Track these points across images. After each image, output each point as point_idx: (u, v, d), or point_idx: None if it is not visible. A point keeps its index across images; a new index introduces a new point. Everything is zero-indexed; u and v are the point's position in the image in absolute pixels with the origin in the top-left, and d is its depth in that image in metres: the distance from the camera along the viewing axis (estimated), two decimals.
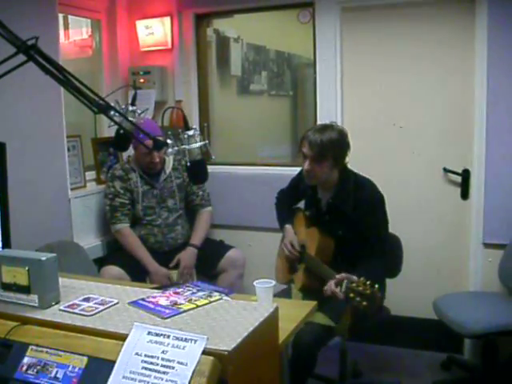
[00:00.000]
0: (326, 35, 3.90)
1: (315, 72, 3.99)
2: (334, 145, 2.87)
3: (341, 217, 2.97)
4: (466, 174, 3.72)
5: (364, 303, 2.49)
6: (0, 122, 3.13)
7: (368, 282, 2.51)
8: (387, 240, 3.06)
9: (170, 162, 3.92)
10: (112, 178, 3.87)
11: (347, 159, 2.99)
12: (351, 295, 2.54)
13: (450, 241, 3.83)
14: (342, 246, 2.94)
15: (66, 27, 4.33)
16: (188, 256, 3.87)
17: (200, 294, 1.91)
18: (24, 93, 3.28)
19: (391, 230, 3.10)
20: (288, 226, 3.24)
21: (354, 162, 3.12)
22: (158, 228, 3.87)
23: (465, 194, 3.76)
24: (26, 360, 1.54)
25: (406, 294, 3.77)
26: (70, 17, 4.29)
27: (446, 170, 3.77)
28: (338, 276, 2.68)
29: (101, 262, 3.75)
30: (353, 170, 3.09)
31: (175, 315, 1.68)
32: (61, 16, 3.89)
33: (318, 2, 3.89)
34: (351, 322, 2.80)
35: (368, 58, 3.89)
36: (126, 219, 3.83)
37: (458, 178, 3.75)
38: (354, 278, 2.58)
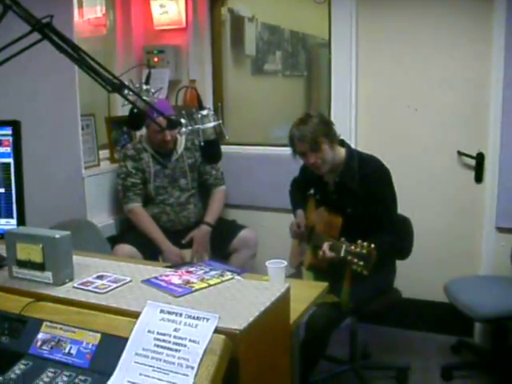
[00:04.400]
0: (341, 15, 3.87)
1: (330, 52, 3.97)
2: (320, 127, 2.91)
3: (349, 195, 2.98)
4: (480, 158, 3.70)
5: (361, 263, 2.53)
6: (15, 101, 3.14)
7: (365, 243, 2.54)
8: (396, 215, 3.07)
9: (182, 142, 3.93)
10: (124, 158, 3.89)
11: (338, 133, 3.01)
12: (349, 258, 2.58)
13: (463, 224, 3.82)
14: (350, 224, 2.95)
15: (81, 5, 4.31)
16: (201, 234, 3.89)
17: (212, 273, 1.92)
18: (38, 71, 3.28)
19: (403, 211, 3.10)
20: (299, 210, 3.27)
21: (368, 144, 3.13)
22: (171, 207, 3.89)
23: (479, 178, 3.74)
24: (40, 336, 1.56)
25: (417, 277, 3.78)
26: None
27: (460, 154, 3.75)
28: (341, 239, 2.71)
29: (114, 241, 3.78)
30: (356, 149, 3.10)
31: (187, 294, 1.69)
32: None
33: None
34: (350, 289, 2.81)
35: (383, 39, 3.86)
36: (138, 199, 3.85)
37: (472, 162, 3.73)
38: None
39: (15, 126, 1.98)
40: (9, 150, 1.98)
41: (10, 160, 1.98)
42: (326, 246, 2.78)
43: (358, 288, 2.82)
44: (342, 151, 3.02)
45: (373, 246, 2.52)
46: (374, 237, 2.69)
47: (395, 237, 2.95)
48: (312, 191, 3.33)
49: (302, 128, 2.91)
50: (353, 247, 2.58)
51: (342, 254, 2.63)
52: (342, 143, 3.07)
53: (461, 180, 3.79)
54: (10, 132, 1.98)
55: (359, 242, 2.57)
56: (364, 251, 2.53)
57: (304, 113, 3.06)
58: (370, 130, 3.12)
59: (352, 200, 2.97)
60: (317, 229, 3.07)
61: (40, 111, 3.34)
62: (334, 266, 2.79)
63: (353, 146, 3.26)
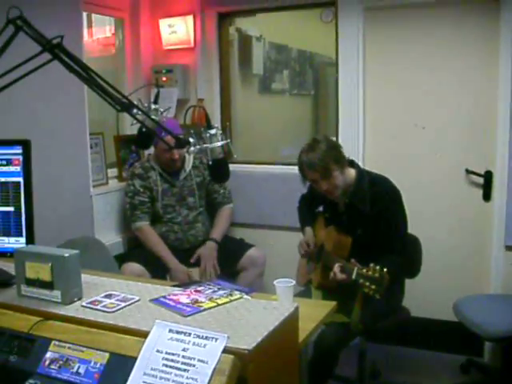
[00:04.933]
0: (348, 34, 3.89)
1: (337, 71, 3.98)
2: (329, 153, 2.89)
3: (359, 216, 2.97)
4: (488, 176, 3.69)
5: (373, 287, 2.50)
6: (25, 120, 3.17)
7: (377, 267, 2.52)
8: (406, 235, 3.05)
9: (189, 161, 3.94)
10: (132, 177, 3.90)
11: (347, 155, 3.01)
12: (361, 281, 2.55)
13: (472, 243, 3.80)
14: (359, 245, 2.94)
15: (90, 25, 4.36)
16: (208, 250, 3.88)
17: (221, 292, 1.91)
18: (48, 91, 3.31)
19: (411, 230, 3.09)
20: (308, 228, 3.26)
21: (376, 162, 3.12)
22: (179, 225, 3.89)
23: (487, 196, 3.72)
24: (48, 355, 1.55)
25: (426, 296, 3.75)
26: (93, 15, 4.32)
27: (468, 172, 3.74)
28: (350, 261, 2.69)
29: (121, 259, 3.77)
30: (366, 169, 3.09)
31: (196, 313, 1.69)
32: (84, 14, 3.92)
33: (340, 2, 3.87)
34: (361, 311, 2.79)
35: (390, 58, 3.87)
36: (145, 217, 3.86)
37: (481, 180, 3.72)
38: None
39: (25, 145, 1.99)
40: (19, 168, 1.99)
41: (20, 179, 1.99)
42: (337, 267, 2.75)
43: (368, 309, 2.80)
44: (351, 172, 3.01)
45: (385, 269, 2.50)
46: (385, 258, 2.68)
47: (405, 258, 2.93)
48: (321, 208, 3.32)
49: (311, 155, 2.88)
50: (364, 270, 2.55)
51: (354, 277, 2.61)
52: (352, 163, 3.05)
53: (469, 198, 3.77)
54: (20, 151, 1.99)
55: (371, 265, 2.54)
56: (376, 275, 2.50)
57: (311, 138, 3.04)
58: (377, 148, 3.12)
59: (362, 221, 2.95)
60: (326, 248, 3.06)
61: (50, 130, 3.36)
62: (344, 286, 2.76)
63: (361, 164, 3.25)
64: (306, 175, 2.97)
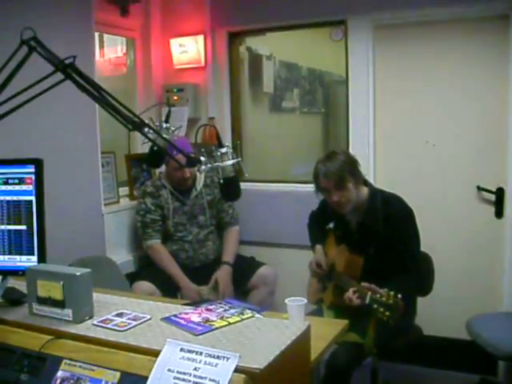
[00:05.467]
0: (358, 53, 3.90)
1: (347, 89, 3.99)
2: (346, 165, 2.89)
3: (372, 235, 2.95)
4: (500, 193, 3.67)
5: (387, 313, 2.48)
6: (37, 139, 3.19)
7: (391, 293, 2.50)
8: (419, 256, 3.03)
9: (201, 179, 3.95)
10: (143, 195, 3.91)
11: (363, 172, 3.00)
12: (375, 306, 2.53)
13: (484, 260, 3.77)
14: (371, 264, 2.91)
15: (102, 45, 4.41)
16: (225, 274, 3.87)
17: (232, 311, 1.90)
18: (60, 110, 3.34)
19: (423, 248, 3.07)
20: (318, 246, 3.24)
21: (386, 180, 3.11)
22: (189, 244, 3.88)
23: (499, 213, 3.70)
24: (59, 374, 1.55)
25: (439, 314, 3.72)
26: (105, 35, 4.36)
27: (479, 189, 3.73)
28: (363, 284, 2.67)
29: (133, 277, 3.77)
30: (379, 188, 3.08)
31: (207, 332, 1.68)
32: (96, 35, 3.96)
33: (350, 20, 3.90)
34: (375, 336, 2.77)
35: (400, 76, 3.88)
36: (157, 235, 3.86)
37: (492, 197, 3.70)
38: (379, 290, 2.57)
39: (38, 164, 2.00)
40: (31, 187, 2.00)
41: (32, 198, 2.00)
42: (351, 292, 2.71)
43: (380, 332, 2.77)
44: (364, 190, 3.00)
45: (400, 296, 2.48)
46: (397, 279, 2.66)
47: (417, 278, 2.91)
48: (332, 225, 3.31)
49: (328, 164, 2.88)
50: (378, 296, 2.54)
51: (367, 302, 2.59)
52: (365, 182, 3.04)
53: (481, 215, 3.75)
54: (32, 170, 2.00)
55: (385, 290, 2.53)
56: (390, 301, 2.48)
57: (330, 150, 3.05)
58: (388, 165, 3.12)
59: (375, 241, 2.94)
60: (337, 266, 3.04)
61: (62, 149, 3.38)
62: (357, 306, 2.74)
63: (372, 182, 3.24)
64: (319, 184, 2.95)
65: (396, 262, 2.84)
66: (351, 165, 2.92)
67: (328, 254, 3.18)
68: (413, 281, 2.85)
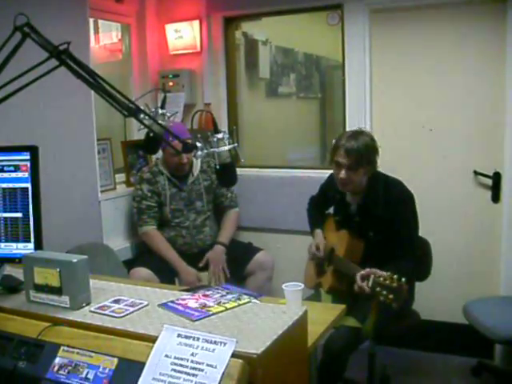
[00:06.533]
0: (354, 37, 3.89)
1: (344, 74, 3.98)
2: (368, 150, 2.88)
3: (372, 218, 2.96)
4: (496, 177, 3.67)
5: (390, 296, 2.49)
6: (32, 126, 3.18)
7: (395, 276, 2.51)
8: (417, 240, 3.04)
9: (197, 165, 3.94)
10: (140, 181, 3.91)
11: (379, 162, 2.98)
12: (377, 289, 2.54)
13: (481, 244, 3.78)
14: (372, 248, 2.93)
15: (97, 31, 4.38)
16: (216, 254, 3.88)
17: (229, 296, 1.91)
18: (55, 97, 3.32)
19: (421, 233, 3.08)
20: (317, 230, 3.24)
21: (383, 165, 3.09)
22: (187, 230, 3.89)
23: (496, 198, 3.70)
24: (57, 360, 1.56)
25: (436, 298, 3.74)
26: (100, 21, 4.34)
27: (476, 173, 3.73)
28: (363, 271, 2.67)
29: (130, 264, 3.78)
30: (382, 172, 3.08)
31: (204, 318, 1.69)
32: (91, 20, 3.93)
33: (346, 4, 3.88)
34: (376, 320, 2.78)
35: (397, 60, 3.87)
36: (152, 221, 3.86)
37: (489, 181, 3.71)
38: (381, 272, 2.58)
39: (33, 151, 2.00)
40: (26, 174, 2.00)
41: (28, 185, 2.00)
42: (360, 280, 2.69)
43: (380, 316, 2.78)
44: (364, 177, 2.99)
45: (403, 279, 2.49)
46: (395, 264, 2.67)
47: (415, 262, 2.92)
48: (331, 210, 3.31)
49: (352, 143, 2.85)
50: (382, 279, 2.55)
51: (370, 285, 2.60)
52: None
53: (478, 200, 3.76)
54: (27, 157, 2.00)
55: (388, 273, 2.54)
56: (394, 284, 2.49)
57: (358, 127, 3.05)
58: (385, 150, 3.12)
59: (375, 224, 2.95)
60: (337, 251, 3.04)
61: (57, 136, 3.37)
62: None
63: None
64: (335, 156, 2.92)
65: (394, 246, 2.85)
66: (372, 151, 2.91)
67: (328, 239, 3.18)
68: (410, 266, 2.86)
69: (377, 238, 2.93)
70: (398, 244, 2.87)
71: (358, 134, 2.93)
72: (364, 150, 2.86)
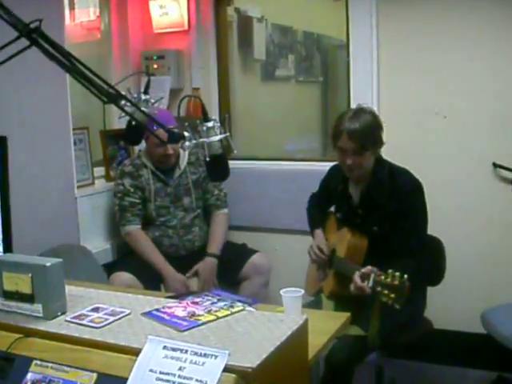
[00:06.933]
0: (360, 14, 3.89)
1: (348, 55, 3.98)
2: (372, 130, 2.90)
3: (375, 210, 2.97)
4: None
5: (392, 295, 2.50)
6: (0, 114, 3.16)
7: (397, 273, 2.52)
8: (426, 235, 3.04)
9: (184, 157, 3.94)
10: (121, 175, 3.90)
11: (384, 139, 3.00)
12: (378, 289, 2.55)
13: (501, 245, 3.78)
14: (376, 245, 2.94)
15: (72, 7, 4.36)
16: (208, 268, 3.87)
17: (221, 304, 1.91)
18: (26, 81, 3.31)
19: (433, 232, 3.08)
20: (318, 231, 3.25)
21: (391, 155, 3.10)
22: (174, 229, 3.88)
23: None
24: (29, 376, 1.56)
25: (451, 305, 3.75)
26: None
27: (495, 166, 3.74)
28: (363, 269, 2.68)
29: (110, 268, 3.77)
30: (387, 160, 3.08)
31: (193, 328, 1.69)
32: None
33: None
34: (379, 325, 2.78)
35: (407, 40, 3.86)
36: (136, 220, 3.85)
37: (510, 174, 3.71)
38: (383, 272, 2.59)
39: (1, 142, 1.99)
40: None
41: None
42: (359, 280, 2.71)
43: (386, 321, 2.79)
44: (371, 158, 3.01)
45: (406, 276, 2.50)
46: (400, 262, 2.67)
47: (424, 262, 2.92)
48: (333, 208, 3.32)
49: (356, 124, 2.86)
50: (383, 277, 2.55)
51: (371, 285, 2.61)
52: None
53: (497, 195, 3.76)
54: None
55: (390, 271, 2.55)
56: (396, 282, 2.50)
57: (357, 106, 3.04)
58: (393, 139, 3.12)
59: (379, 216, 2.95)
60: (338, 252, 3.05)
61: (28, 125, 3.36)
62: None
63: None
64: (338, 142, 2.93)
65: (400, 241, 2.86)
66: (377, 129, 2.93)
67: (328, 240, 3.20)
68: (416, 264, 2.85)
69: (381, 232, 2.93)
70: (404, 240, 2.88)
71: (358, 112, 2.94)
72: (367, 131, 2.87)
